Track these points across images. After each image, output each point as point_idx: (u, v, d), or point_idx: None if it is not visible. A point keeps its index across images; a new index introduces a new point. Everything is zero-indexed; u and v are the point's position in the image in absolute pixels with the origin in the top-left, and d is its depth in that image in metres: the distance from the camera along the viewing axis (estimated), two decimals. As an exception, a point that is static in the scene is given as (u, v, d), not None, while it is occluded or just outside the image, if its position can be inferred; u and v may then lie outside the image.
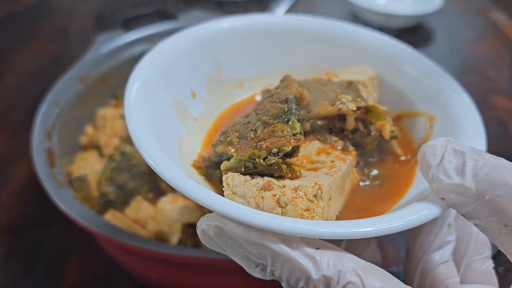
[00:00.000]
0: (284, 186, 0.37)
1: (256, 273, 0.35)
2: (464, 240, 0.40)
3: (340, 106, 0.46)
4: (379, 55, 0.55)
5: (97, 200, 0.78)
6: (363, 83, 0.49)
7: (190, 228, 0.74)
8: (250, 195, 0.37)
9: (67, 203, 0.67)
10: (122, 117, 0.94)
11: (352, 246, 0.38)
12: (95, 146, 0.91)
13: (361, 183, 0.46)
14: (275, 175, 0.39)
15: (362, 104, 0.46)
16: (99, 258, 0.81)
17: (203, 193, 0.35)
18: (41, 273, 0.79)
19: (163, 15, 1.13)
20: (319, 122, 0.47)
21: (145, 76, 0.47)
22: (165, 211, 0.78)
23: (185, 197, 0.82)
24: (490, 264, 0.41)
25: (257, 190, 0.37)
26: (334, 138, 0.47)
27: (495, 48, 1.42)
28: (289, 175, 0.39)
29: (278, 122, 0.43)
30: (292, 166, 0.40)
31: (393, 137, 0.47)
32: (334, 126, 0.47)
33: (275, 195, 0.37)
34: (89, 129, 0.94)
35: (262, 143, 0.41)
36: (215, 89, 0.55)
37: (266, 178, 0.39)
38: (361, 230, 0.33)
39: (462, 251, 0.40)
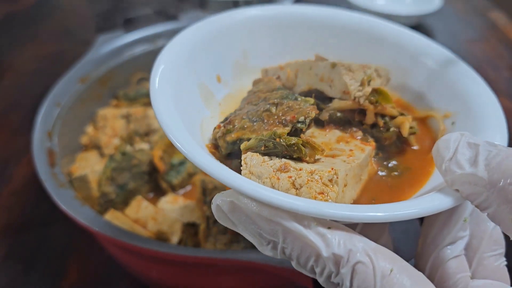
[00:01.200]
0: (300, 169, 0.37)
1: (267, 251, 0.35)
2: (478, 236, 0.40)
3: (357, 94, 0.45)
4: (404, 50, 0.55)
5: (97, 200, 0.79)
6: (348, 67, 0.48)
7: (190, 228, 0.74)
8: (266, 175, 0.38)
9: (68, 203, 0.67)
10: (123, 117, 0.94)
11: (365, 233, 0.38)
12: (96, 146, 0.91)
13: (379, 174, 0.46)
14: (294, 156, 0.39)
15: (371, 86, 0.45)
16: (99, 258, 0.81)
17: (221, 169, 0.35)
18: (41, 273, 0.79)
19: (164, 16, 1.13)
20: (338, 114, 0.47)
21: (171, 57, 0.47)
22: (165, 211, 0.78)
23: (185, 196, 0.82)
24: (503, 262, 0.40)
25: (273, 171, 0.38)
26: (354, 129, 0.47)
27: (495, 48, 1.42)
28: (307, 158, 0.40)
29: (288, 101, 0.44)
30: (310, 143, 0.40)
31: (411, 134, 0.46)
32: (353, 119, 0.47)
33: (290, 177, 0.37)
34: (89, 129, 0.94)
35: (286, 116, 0.42)
36: (241, 76, 0.55)
37: (283, 160, 0.39)
38: (372, 214, 0.33)
39: (475, 247, 0.40)
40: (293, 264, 0.35)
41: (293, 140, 0.39)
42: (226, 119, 0.46)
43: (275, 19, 0.57)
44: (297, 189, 0.37)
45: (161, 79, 0.44)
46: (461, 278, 0.38)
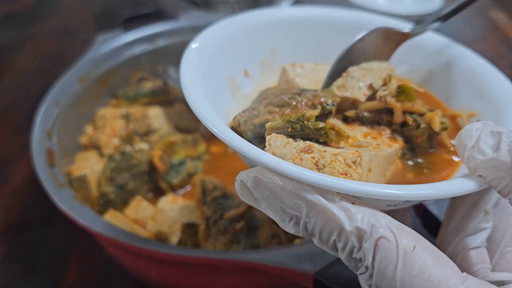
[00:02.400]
0: (324, 151, 0.38)
1: (290, 227, 0.35)
2: (501, 230, 0.39)
3: (382, 93, 0.45)
4: (425, 50, 0.55)
5: (97, 200, 0.78)
6: (338, 88, 0.49)
7: (190, 228, 0.74)
8: (289, 156, 0.38)
9: (67, 203, 0.67)
10: (122, 117, 0.94)
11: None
12: (95, 146, 0.91)
13: (405, 172, 0.45)
14: (320, 140, 0.40)
15: (396, 84, 0.45)
16: (99, 258, 0.81)
17: (247, 145, 0.36)
18: (41, 273, 0.79)
19: (163, 15, 1.13)
20: (365, 114, 0.46)
21: (200, 49, 0.49)
22: (165, 211, 0.78)
23: (185, 197, 0.82)
24: None
25: (296, 152, 0.38)
26: (382, 127, 0.46)
27: (495, 48, 1.42)
28: (333, 143, 0.40)
29: (310, 92, 0.45)
30: (336, 128, 0.40)
31: (443, 129, 0.46)
32: (381, 119, 0.46)
33: (313, 158, 0.37)
34: (89, 129, 0.94)
35: (314, 100, 0.43)
36: (267, 72, 0.57)
37: (308, 142, 0.39)
38: (396, 192, 0.33)
39: (498, 240, 0.39)
40: (315, 241, 0.35)
41: (321, 124, 0.39)
42: (246, 109, 0.47)
43: (305, 20, 0.58)
44: (319, 169, 0.37)
45: (191, 63, 0.45)
46: (481, 269, 0.38)
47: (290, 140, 0.39)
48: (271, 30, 0.57)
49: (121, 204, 0.80)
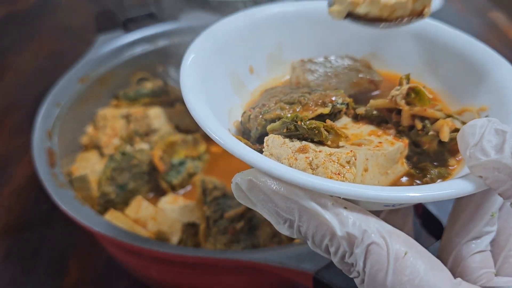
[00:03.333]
0: (320, 151, 0.37)
1: (284, 229, 0.35)
2: (506, 233, 0.39)
3: (394, 93, 0.44)
4: (433, 43, 0.54)
5: (97, 200, 0.79)
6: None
7: (190, 228, 0.74)
8: (284, 156, 0.38)
9: (68, 203, 0.67)
10: (123, 117, 0.94)
11: (388, 221, 0.37)
12: (96, 146, 0.91)
13: (411, 177, 0.44)
14: (315, 140, 0.40)
15: (408, 85, 0.44)
16: (99, 258, 0.81)
17: (240, 146, 0.36)
18: (41, 272, 0.79)
19: (164, 16, 1.13)
20: (375, 112, 0.46)
21: (202, 47, 0.48)
22: (165, 211, 0.78)
23: (185, 197, 0.82)
24: None
25: (292, 152, 0.38)
26: (388, 125, 0.45)
27: (495, 48, 1.41)
28: (329, 142, 0.39)
29: (319, 91, 0.45)
30: (334, 128, 0.40)
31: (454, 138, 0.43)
32: (390, 119, 0.45)
33: (308, 158, 0.37)
34: (89, 129, 0.94)
35: (325, 99, 0.43)
36: (274, 68, 0.56)
37: (304, 142, 0.39)
38: (388, 194, 0.32)
39: (502, 244, 0.39)
40: (309, 243, 0.35)
41: (314, 123, 0.39)
42: (256, 105, 0.46)
43: (313, 14, 0.57)
44: (313, 169, 0.36)
45: (190, 68, 0.45)
46: (484, 274, 0.37)
47: (287, 140, 0.39)
48: (277, 25, 0.55)
49: (121, 204, 0.80)
